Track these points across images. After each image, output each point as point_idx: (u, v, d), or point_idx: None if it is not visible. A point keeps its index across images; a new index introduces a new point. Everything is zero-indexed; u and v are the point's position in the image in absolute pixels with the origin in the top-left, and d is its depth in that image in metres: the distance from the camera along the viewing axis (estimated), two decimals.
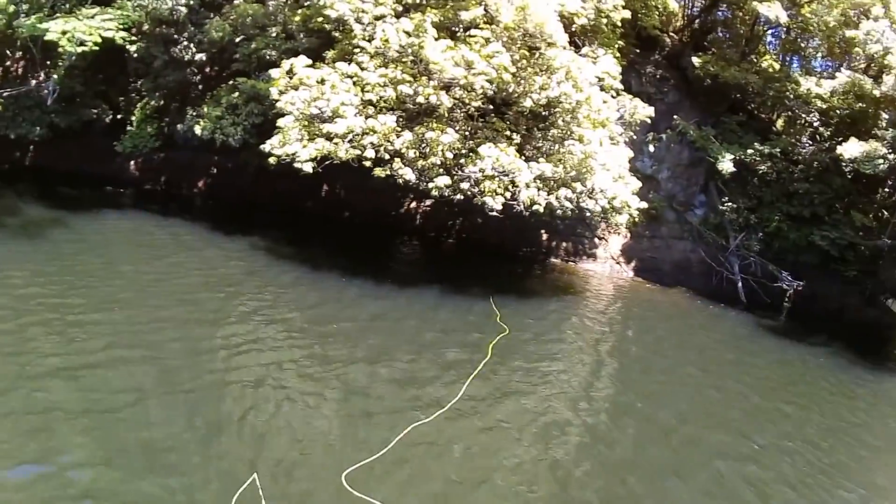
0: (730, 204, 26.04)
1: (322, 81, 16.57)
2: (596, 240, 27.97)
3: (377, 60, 16.87)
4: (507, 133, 17.56)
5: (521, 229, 25.12)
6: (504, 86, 16.60)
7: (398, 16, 17.42)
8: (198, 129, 20.53)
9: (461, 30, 18.00)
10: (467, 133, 17.25)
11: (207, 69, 23.87)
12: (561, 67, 17.03)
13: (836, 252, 24.26)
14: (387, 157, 16.19)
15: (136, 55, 22.84)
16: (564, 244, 28.03)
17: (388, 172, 16.31)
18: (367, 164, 16.10)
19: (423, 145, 16.18)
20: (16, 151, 24.49)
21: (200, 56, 22.20)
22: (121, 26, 21.83)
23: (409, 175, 16.19)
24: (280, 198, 25.26)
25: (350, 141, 15.95)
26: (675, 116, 27.02)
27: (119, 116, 24.85)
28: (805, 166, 25.43)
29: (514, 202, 16.91)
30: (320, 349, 12.90)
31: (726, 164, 24.28)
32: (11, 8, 21.06)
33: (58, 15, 21.01)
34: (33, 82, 23.33)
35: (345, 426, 10.31)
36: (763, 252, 25.60)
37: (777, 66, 28.34)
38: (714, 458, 11.29)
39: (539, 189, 16.94)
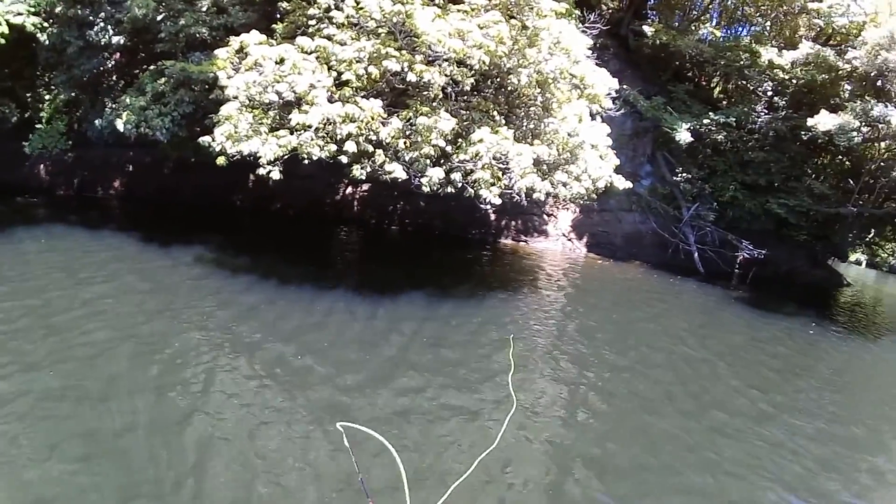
0: (683, 174, 24.18)
1: (281, 61, 12.90)
2: (545, 216, 25.76)
3: (350, 32, 13.31)
4: (493, 114, 14.42)
5: (467, 211, 22.56)
6: (497, 60, 13.37)
7: None
8: (119, 124, 15.95)
9: None
10: (450, 115, 13.89)
11: (124, 55, 19.43)
12: (550, 38, 14.06)
13: (793, 219, 22.99)
14: (370, 149, 12.60)
15: (47, 43, 18.32)
16: (514, 223, 25.69)
17: (370, 170, 12.74)
18: (344, 159, 12.44)
19: (412, 133, 12.76)
20: None
21: (118, 39, 17.76)
22: (31, 10, 17.77)
23: (398, 172, 12.50)
24: (204, 193, 21.56)
25: (319, 133, 12.28)
26: (624, 86, 24.84)
27: (27, 115, 20.11)
28: (760, 136, 23.76)
29: (510, 191, 13.79)
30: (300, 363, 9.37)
31: (683, 135, 22.27)
32: None
33: None
34: None
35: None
36: (716, 221, 24.02)
37: (718, 34, 26.56)
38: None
39: (535, 174, 13.94)
